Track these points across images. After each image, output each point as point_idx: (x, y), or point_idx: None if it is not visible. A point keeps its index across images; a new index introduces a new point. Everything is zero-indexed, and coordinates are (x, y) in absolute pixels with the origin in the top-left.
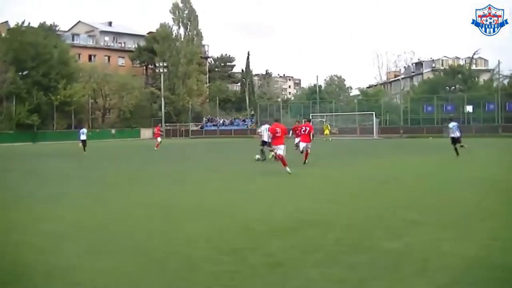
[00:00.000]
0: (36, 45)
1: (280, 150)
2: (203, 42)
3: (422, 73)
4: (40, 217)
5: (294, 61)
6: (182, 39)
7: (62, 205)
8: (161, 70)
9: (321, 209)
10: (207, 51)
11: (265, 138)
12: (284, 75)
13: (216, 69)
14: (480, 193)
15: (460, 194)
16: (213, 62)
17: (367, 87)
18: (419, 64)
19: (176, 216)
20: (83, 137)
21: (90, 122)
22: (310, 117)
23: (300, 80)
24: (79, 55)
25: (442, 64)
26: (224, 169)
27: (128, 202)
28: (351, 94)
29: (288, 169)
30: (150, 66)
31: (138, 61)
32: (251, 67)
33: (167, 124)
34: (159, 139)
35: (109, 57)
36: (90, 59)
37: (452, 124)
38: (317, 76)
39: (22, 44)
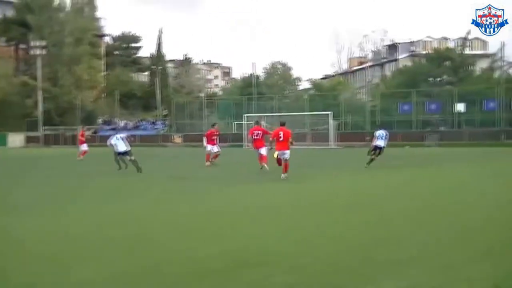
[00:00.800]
0: None
1: (286, 155)
2: (98, 14)
3: (396, 60)
4: None
5: (222, 43)
6: (68, 9)
7: None
8: (37, 52)
9: (269, 242)
10: (104, 27)
11: (120, 149)
12: (209, 61)
13: (116, 53)
14: (475, 220)
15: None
16: (111, 42)
17: (322, 78)
18: (392, 47)
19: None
20: None
21: None
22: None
23: (230, 69)
24: None
25: (425, 48)
26: (134, 191)
27: None
28: (300, 88)
29: (284, 175)
30: (22, 45)
31: (4, 39)
32: (164, 51)
33: (46, 128)
34: (84, 146)
35: None
36: None
37: (379, 133)
38: (253, 64)
39: None
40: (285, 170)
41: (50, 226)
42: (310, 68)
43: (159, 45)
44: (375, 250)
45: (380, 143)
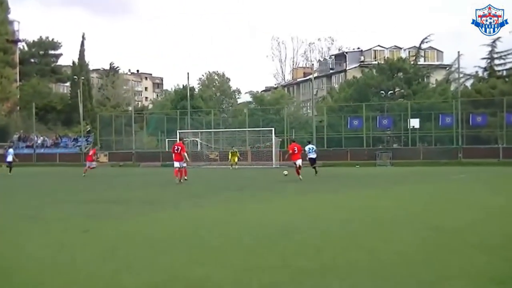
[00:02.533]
0: None
1: (300, 161)
2: (11, 17)
3: (345, 70)
4: None
5: (152, 51)
6: None
7: None
8: None
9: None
10: (17, 31)
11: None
12: (138, 71)
13: (33, 60)
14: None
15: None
16: (27, 49)
17: (263, 91)
18: (340, 56)
19: None
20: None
21: None
22: (179, 135)
23: (162, 80)
24: None
25: (375, 57)
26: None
27: None
28: (239, 101)
29: (300, 177)
30: None
31: None
32: (87, 59)
33: None
34: (93, 163)
35: None
36: None
37: (308, 147)
38: (187, 74)
39: None
40: (299, 173)
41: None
42: (250, 79)
43: (81, 53)
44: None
45: (312, 155)
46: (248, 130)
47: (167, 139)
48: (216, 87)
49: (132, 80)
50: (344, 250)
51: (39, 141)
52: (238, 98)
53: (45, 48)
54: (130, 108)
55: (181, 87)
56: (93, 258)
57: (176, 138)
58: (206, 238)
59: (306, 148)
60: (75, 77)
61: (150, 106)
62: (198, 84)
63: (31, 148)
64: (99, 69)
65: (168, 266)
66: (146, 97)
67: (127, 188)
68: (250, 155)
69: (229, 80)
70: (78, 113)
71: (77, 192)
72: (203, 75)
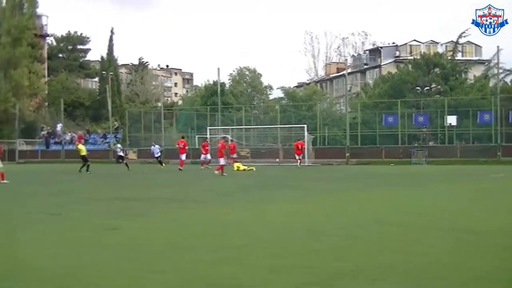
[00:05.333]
0: None
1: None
2: (39, 11)
3: (379, 66)
4: None
5: (182, 46)
6: (4, 5)
7: None
8: None
9: None
10: (46, 25)
11: None
12: (167, 66)
13: (61, 55)
14: None
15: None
16: (55, 43)
17: (296, 87)
18: (375, 51)
19: None
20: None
21: None
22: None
23: (192, 75)
24: None
25: (411, 52)
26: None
27: None
28: (271, 97)
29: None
30: None
31: None
32: (116, 54)
33: None
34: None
35: None
36: None
37: None
38: (218, 69)
39: None
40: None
41: None
42: (282, 75)
43: (110, 48)
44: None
45: None
46: (280, 127)
47: (196, 136)
48: (247, 83)
49: (162, 75)
50: (376, 251)
51: (67, 137)
52: (270, 94)
53: (73, 43)
54: (159, 104)
55: (211, 82)
56: (119, 256)
57: (206, 135)
58: (232, 237)
59: None
60: (103, 72)
61: (180, 102)
62: (229, 79)
63: (59, 145)
64: (128, 64)
65: (194, 265)
66: (176, 93)
67: (154, 186)
68: (282, 152)
69: (261, 75)
70: (107, 109)
71: (105, 190)
72: (234, 71)
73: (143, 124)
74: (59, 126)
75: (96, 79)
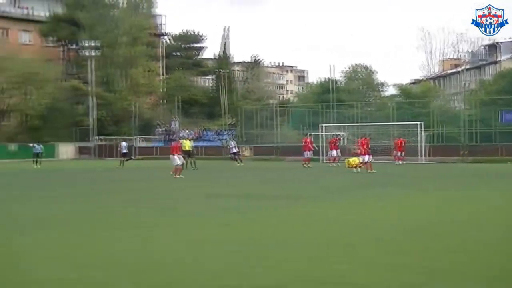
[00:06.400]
0: None
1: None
2: (156, 11)
3: (497, 62)
4: None
5: (296, 43)
6: (123, 5)
7: None
8: (89, 53)
9: None
10: (163, 25)
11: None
12: (281, 64)
13: (176, 54)
14: None
15: None
16: (171, 42)
17: (411, 83)
18: (492, 47)
19: None
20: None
21: None
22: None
23: (305, 72)
24: None
25: None
26: None
27: None
28: (385, 95)
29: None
30: (72, 46)
31: (53, 38)
32: (230, 52)
33: (99, 138)
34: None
35: (6, 30)
36: None
37: None
38: (331, 66)
39: None
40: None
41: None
42: (396, 72)
43: (224, 46)
44: None
45: None
46: (394, 125)
47: (310, 133)
48: (362, 80)
49: (275, 73)
50: (494, 253)
51: (182, 134)
52: (384, 91)
53: (189, 42)
54: (273, 101)
55: (325, 79)
56: (231, 252)
57: (321, 131)
58: (343, 234)
59: None
60: (218, 70)
61: (293, 99)
62: (342, 76)
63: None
64: (242, 62)
65: (304, 261)
66: (290, 90)
67: (268, 182)
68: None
69: (375, 72)
70: (221, 106)
71: (220, 185)
72: (347, 68)
73: (257, 121)
74: (175, 123)
75: (211, 76)
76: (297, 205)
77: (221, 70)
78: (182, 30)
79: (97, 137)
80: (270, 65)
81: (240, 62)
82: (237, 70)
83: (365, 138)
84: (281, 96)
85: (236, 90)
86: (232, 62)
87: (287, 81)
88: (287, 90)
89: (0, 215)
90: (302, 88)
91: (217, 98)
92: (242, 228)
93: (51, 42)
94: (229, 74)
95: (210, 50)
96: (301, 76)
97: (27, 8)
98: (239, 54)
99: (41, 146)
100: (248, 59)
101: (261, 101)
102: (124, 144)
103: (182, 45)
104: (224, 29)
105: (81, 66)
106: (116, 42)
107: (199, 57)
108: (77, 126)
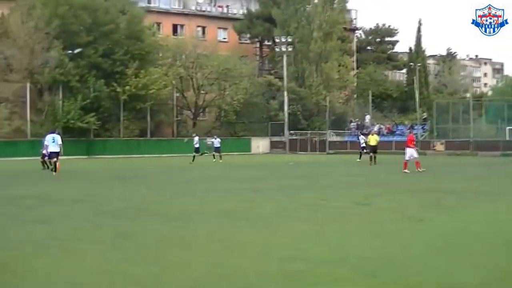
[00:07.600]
0: (94, 10)
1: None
2: (349, 6)
3: None
4: None
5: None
6: (316, 1)
7: None
8: (283, 49)
9: None
10: (355, 19)
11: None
12: (476, 56)
13: (368, 48)
14: None
15: None
16: (363, 37)
17: None
18: None
19: None
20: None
21: (175, 126)
22: None
23: (502, 65)
24: (158, 24)
25: None
26: None
27: None
28: None
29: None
30: (266, 42)
31: (248, 35)
32: (423, 45)
33: (292, 132)
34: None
35: (203, 28)
36: (175, 31)
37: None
38: None
39: (73, 9)
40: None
41: None
42: None
43: (418, 39)
44: None
45: None
46: None
47: (507, 128)
48: None
49: (470, 65)
50: None
51: (375, 129)
52: None
53: (381, 36)
54: (467, 95)
55: None
56: (426, 249)
57: None
58: None
59: None
60: (411, 64)
61: (490, 92)
62: None
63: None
64: (436, 55)
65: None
66: (485, 84)
67: (463, 178)
68: None
69: None
70: (414, 100)
71: (417, 181)
72: None
73: (451, 116)
74: (367, 118)
75: (404, 70)
76: (496, 201)
77: (414, 63)
78: (375, 25)
79: (289, 132)
80: (464, 58)
81: (434, 55)
82: (431, 63)
83: None
84: (476, 89)
85: (428, 84)
86: (425, 55)
87: (483, 74)
88: (484, 83)
89: None
90: (498, 81)
91: (410, 92)
92: (435, 225)
93: (246, 39)
94: (422, 68)
95: (404, 44)
96: (498, 69)
97: (222, 6)
98: (433, 47)
99: (218, 139)
100: (441, 52)
101: (455, 95)
102: (196, 138)
103: (375, 39)
104: (418, 22)
105: (275, 62)
106: (309, 37)
107: (392, 51)
108: (270, 120)
